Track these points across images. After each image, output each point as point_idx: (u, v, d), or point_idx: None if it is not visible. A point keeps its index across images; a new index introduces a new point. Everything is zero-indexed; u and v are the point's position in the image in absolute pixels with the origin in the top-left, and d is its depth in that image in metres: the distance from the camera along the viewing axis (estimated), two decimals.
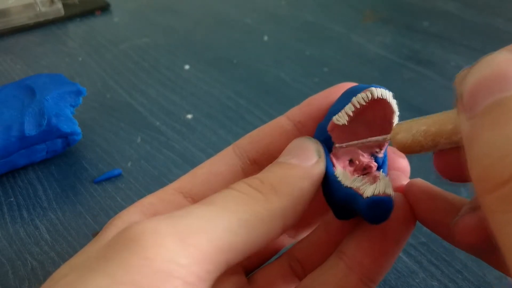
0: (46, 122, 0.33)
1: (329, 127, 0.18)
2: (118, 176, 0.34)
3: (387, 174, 0.19)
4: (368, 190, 0.16)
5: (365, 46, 0.52)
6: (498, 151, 0.11)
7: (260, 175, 0.17)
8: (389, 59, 0.49)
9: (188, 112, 0.41)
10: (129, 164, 0.35)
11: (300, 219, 0.21)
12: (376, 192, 0.16)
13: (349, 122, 0.18)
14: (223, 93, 0.44)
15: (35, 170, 0.35)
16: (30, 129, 0.33)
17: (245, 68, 0.48)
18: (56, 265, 0.28)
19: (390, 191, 0.16)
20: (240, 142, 0.20)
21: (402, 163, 0.20)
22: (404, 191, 0.18)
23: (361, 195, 0.16)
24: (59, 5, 0.58)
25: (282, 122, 0.20)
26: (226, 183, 0.19)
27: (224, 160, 0.20)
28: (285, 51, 0.51)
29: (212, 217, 0.14)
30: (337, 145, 0.19)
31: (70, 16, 0.59)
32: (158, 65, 0.49)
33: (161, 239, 0.13)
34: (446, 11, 0.59)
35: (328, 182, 0.18)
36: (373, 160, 0.19)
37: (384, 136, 0.18)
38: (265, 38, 0.54)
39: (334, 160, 0.19)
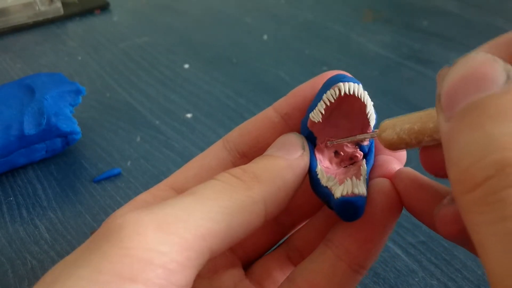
0: (45, 121, 0.33)
1: (308, 123, 0.19)
2: (118, 175, 0.34)
3: (373, 162, 0.19)
4: (337, 191, 0.17)
5: (364, 45, 0.52)
6: (474, 154, 0.11)
7: (243, 165, 0.17)
8: (389, 58, 0.49)
9: (188, 111, 0.41)
10: (128, 163, 0.35)
11: (294, 212, 0.21)
12: (344, 193, 0.16)
13: (327, 115, 0.19)
14: (223, 92, 0.44)
15: (35, 169, 0.35)
16: (29, 128, 0.33)
17: (245, 67, 0.48)
18: None
19: (358, 190, 0.16)
20: (230, 136, 0.21)
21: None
22: (392, 178, 0.18)
23: (332, 195, 0.17)
24: (59, 4, 0.58)
25: (270, 114, 0.20)
26: None
27: (215, 155, 0.20)
28: (284, 50, 0.51)
29: (192, 205, 0.14)
30: (328, 142, 0.19)
31: (70, 15, 0.59)
32: (158, 64, 0.49)
33: (141, 228, 0.13)
34: (445, 10, 0.59)
35: (312, 178, 0.18)
36: (358, 149, 0.20)
37: (372, 133, 0.18)
38: (265, 37, 0.54)
39: (319, 155, 0.19)
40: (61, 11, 0.58)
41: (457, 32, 0.54)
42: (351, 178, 0.17)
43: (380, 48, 0.51)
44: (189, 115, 0.41)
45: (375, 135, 0.17)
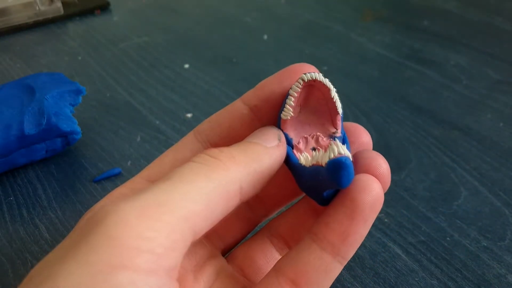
0: (45, 121, 0.33)
1: (281, 125, 0.19)
2: (118, 175, 0.34)
3: (350, 151, 0.20)
4: (324, 157, 0.17)
5: (364, 45, 0.52)
6: None
7: (221, 147, 0.18)
8: (389, 58, 0.49)
9: (188, 111, 0.41)
10: (128, 163, 0.35)
11: (267, 202, 0.22)
12: (331, 156, 0.16)
13: (297, 113, 0.19)
14: (223, 92, 0.44)
15: (35, 169, 0.35)
16: (29, 128, 0.33)
17: (245, 67, 0.48)
18: None
19: (343, 151, 0.16)
20: (200, 128, 0.21)
21: (365, 138, 0.20)
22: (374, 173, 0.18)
23: (321, 166, 0.17)
24: (59, 4, 0.58)
25: (238, 106, 0.21)
26: None
27: (187, 147, 0.21)
28: (284, 50, 0.51)
29: (171, 189, 0.15)
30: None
31: (70, 15, 0.59)
32: (158, 64, 0.49)
33: (124, 216, 0.13)
34: (445, 10, 0.59)
35: (297, 172, 0.18)
36: (333, 141, 0.20)
37: None
38: (265, 37, 0.54)
39: (298, 153, 0.19)
40: (61, 11, 0.58)
41: (457, 31, 0.54)
42: (330, 145, 0.17)
43: (380, 47, 0.51)
44: (189, 115, 0.41)
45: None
